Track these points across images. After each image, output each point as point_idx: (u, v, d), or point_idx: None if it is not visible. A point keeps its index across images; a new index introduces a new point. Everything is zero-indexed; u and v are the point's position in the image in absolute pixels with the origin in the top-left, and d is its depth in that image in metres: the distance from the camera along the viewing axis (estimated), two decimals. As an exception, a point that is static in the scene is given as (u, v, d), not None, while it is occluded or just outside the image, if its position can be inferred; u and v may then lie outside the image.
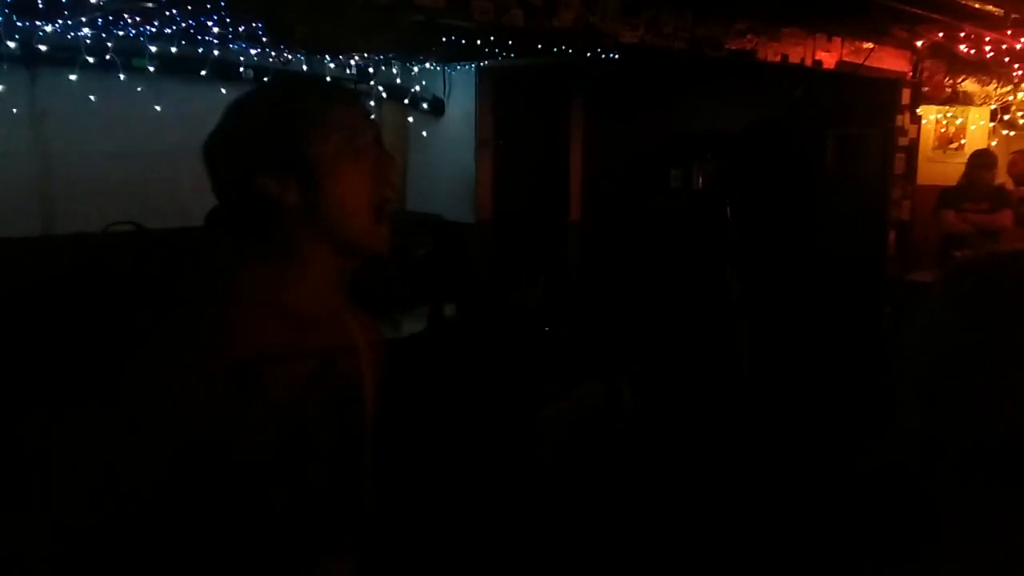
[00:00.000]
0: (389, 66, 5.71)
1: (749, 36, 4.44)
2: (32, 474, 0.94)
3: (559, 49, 4.57)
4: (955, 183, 5.83)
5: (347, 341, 1.16)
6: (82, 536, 0.94)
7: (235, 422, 0.97)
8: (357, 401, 1.17)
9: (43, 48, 4.26)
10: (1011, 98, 6.09)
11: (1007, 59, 5.32)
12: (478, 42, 4.41)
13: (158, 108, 4.59)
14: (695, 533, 3.16)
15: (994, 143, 6.15)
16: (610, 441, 2.70)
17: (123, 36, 4.27)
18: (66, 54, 4.31)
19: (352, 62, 5.43)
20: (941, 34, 5.14)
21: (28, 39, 4.21)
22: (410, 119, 6.15)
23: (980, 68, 5.82)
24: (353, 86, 5.59)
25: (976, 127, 6.27)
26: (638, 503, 2.82)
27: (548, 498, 2.68)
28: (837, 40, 5.04)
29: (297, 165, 1.08)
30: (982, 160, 5.66)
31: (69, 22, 3.95)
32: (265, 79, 4.70)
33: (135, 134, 4.76)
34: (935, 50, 5.66)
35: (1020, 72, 5.68)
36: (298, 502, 1.08)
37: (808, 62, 4.88)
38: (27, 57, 4.32)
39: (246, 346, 1.00)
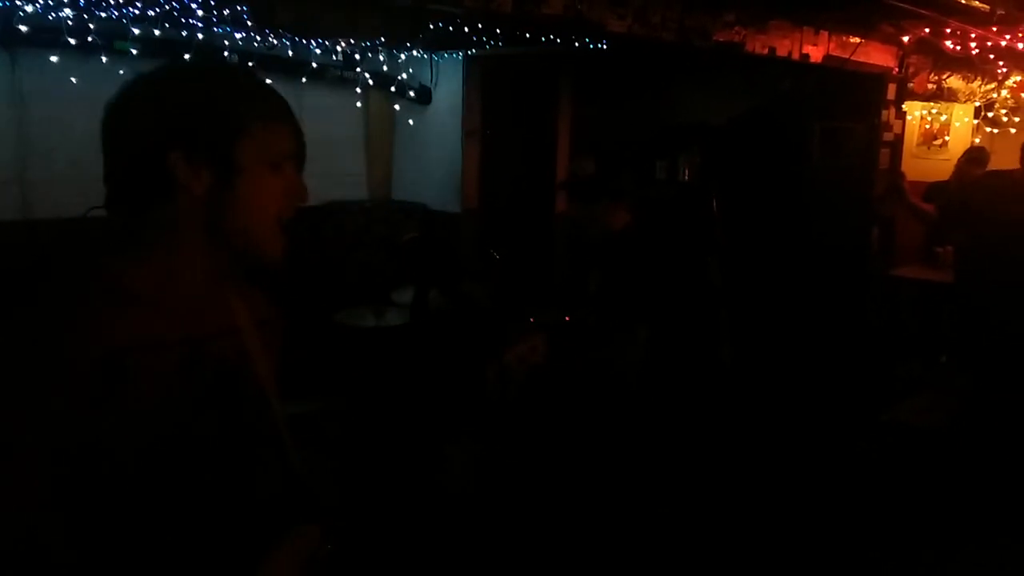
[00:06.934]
0: (376, 53, 5.67)
1: (737, 28, 4.44)
2: None
3: (547, 39, 4.55)
4: (939, 179, 5.84)
5: (226, 325, 1.13)
6: None
7: (106, 418, 0.94)
8: (246, 380, 1.14)
9: (23, 29, 4.19)
10: (995, 95, 6.12)
11: (992, 56, 5.35)
12: (466, 29, 4.39)
13: (141, 92, 4.52)
14: (677, 522, 3.17)
15: (977, 140, 6.18)
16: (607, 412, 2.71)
17: (105, 18, 4.20)
18: (47, 35, 4.23)
19: (339, 48, 5.38)
20: (927, 30, 5.16)
21: (8, 19, 4.14)
22: (396, 107, 6.11)
23: (965, 64, 5.85)
24: (340, 73, 5.55)
25: (960, 124, 6.30)
26: (623, 487, 2.83)
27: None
28: (824, 34, 5.05)
29: (217, 158, 1.04)
30: (973, 156, 5.59)
31: (50, 2, 3.89)
32: (250, 63, 4.64)
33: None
34: (921, 46, 5.68)
35: (1005, 69, 5.71)
36: (209, 489, 1.05)
37: (795, 55, 4.89)
38: (7, 38, 4.24)
39: (113, 340, 0.96)
